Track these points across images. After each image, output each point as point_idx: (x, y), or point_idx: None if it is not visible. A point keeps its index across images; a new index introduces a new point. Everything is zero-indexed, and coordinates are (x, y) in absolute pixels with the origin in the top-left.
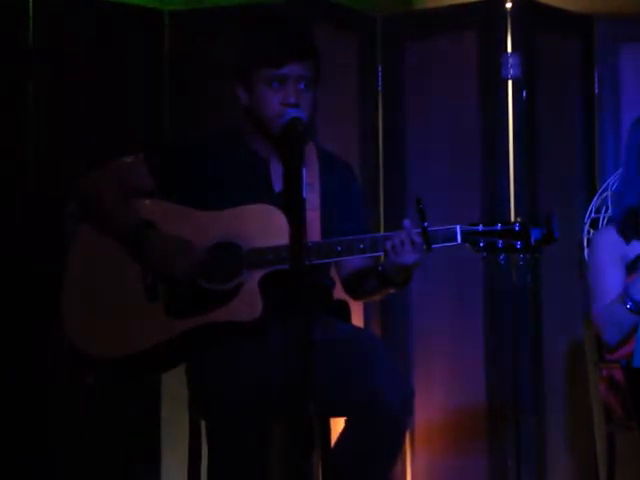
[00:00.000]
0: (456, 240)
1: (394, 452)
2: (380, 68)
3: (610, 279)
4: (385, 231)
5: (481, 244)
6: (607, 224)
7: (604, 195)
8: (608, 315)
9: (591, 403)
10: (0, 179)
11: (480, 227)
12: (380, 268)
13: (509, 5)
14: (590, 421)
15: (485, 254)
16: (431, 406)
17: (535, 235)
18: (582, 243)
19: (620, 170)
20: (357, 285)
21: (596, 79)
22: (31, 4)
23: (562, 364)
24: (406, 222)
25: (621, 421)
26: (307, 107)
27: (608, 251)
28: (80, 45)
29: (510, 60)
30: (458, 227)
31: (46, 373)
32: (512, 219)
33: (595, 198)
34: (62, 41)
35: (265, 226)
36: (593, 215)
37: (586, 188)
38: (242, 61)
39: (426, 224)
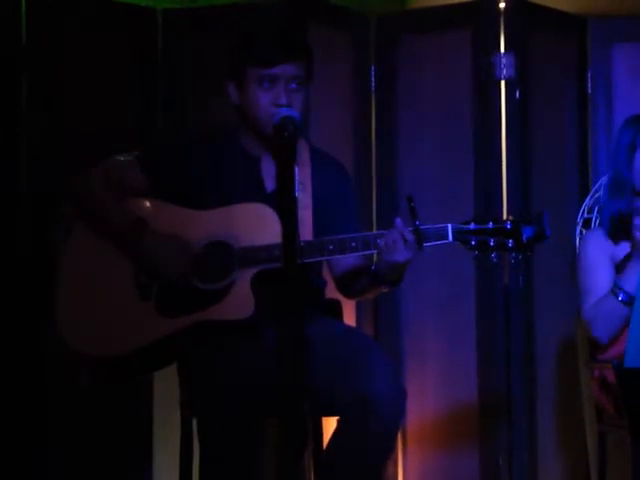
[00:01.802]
0: (447, 238)
1: (386, 452)
2: (373, 67)
3: (600, 278)
4: (377, 230)
5: (473, 242)
6: (598, 224)
7: (597, 195)
8: (598, 311)
9: (582, 403)
10: None
11: (472, 225)
12: (373, 267)
13: (502, 5)
14: (581, 421)
15: (477, 253)
16: (423, 406)
17: (527, 233)
18: (574, 243)
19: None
20: (350, 284)
21: (589, 79)
22: (24, 2)
23: (554, 364)
24: (398, 220)
25: (612, 421)
26: (299, 107)
27: (598, 250)
28: (73, 43)
29: (503, 60)
30: (449, 225)
31: (42, 373)
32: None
33: (588, 198)
34: (55, 39)
35: (257, 225)
36: (585, 215)
37: (579, 188)
38: (234, 60)
39: (418, 222)
